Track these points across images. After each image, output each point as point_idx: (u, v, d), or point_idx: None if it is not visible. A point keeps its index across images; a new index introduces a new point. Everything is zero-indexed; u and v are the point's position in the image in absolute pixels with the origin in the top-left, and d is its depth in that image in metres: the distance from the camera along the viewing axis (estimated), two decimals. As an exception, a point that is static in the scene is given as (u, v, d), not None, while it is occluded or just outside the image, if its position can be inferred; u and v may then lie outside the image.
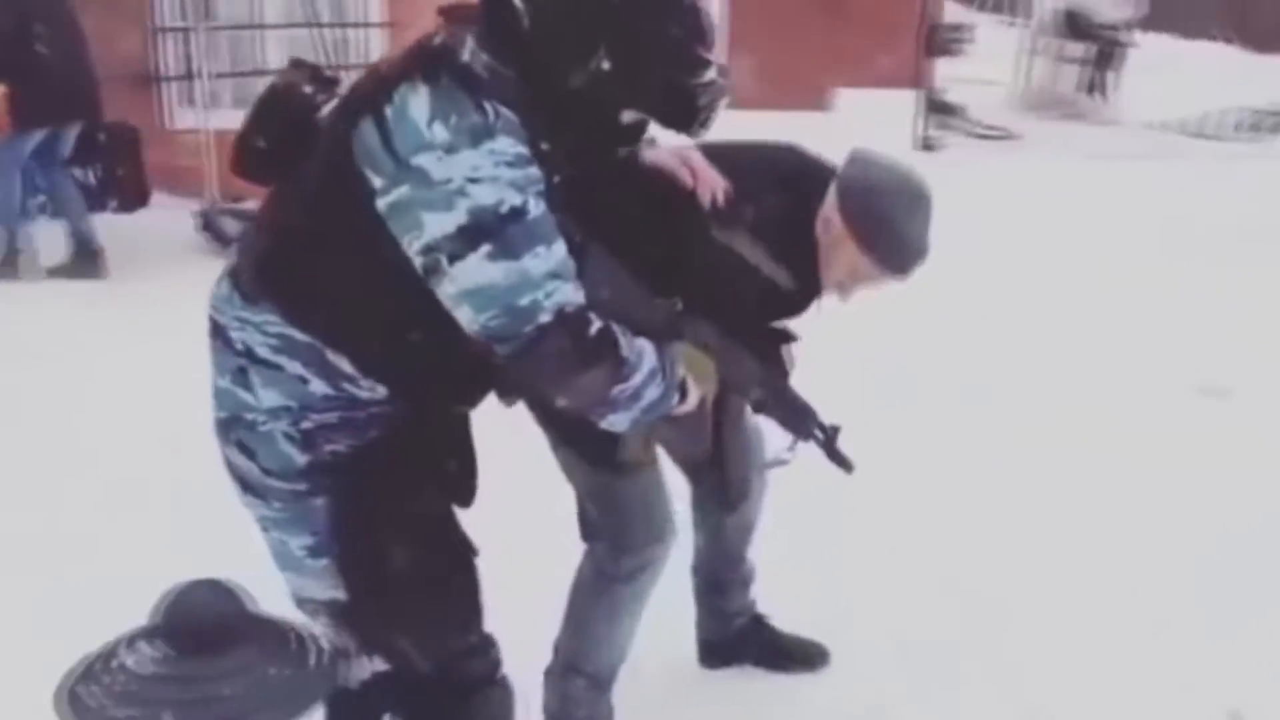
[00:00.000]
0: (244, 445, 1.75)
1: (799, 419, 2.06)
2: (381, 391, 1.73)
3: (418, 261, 1.58)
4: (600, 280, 1.71)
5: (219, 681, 1.34)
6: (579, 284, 1.63)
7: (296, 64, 1.95)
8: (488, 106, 1.56)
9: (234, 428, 1.75)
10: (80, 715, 1.31)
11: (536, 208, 1.58)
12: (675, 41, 1.64)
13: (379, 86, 1.62)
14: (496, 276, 1.56)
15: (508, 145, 1.56)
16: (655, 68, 1.65)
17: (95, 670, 1.36)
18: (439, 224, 1.55)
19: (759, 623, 2.71)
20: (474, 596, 1.87)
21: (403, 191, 1.56)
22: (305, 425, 1.72)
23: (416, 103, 1.56)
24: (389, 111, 1.57)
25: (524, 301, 1.57)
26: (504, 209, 1.55)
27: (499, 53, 1.61)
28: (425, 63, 1.61)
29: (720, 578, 2.64)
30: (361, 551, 1.77)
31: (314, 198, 1.70)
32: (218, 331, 1.77)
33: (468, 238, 1.54)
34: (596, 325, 1.63)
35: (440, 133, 1.54)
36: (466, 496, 1.87)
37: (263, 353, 1.71)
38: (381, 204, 1.58)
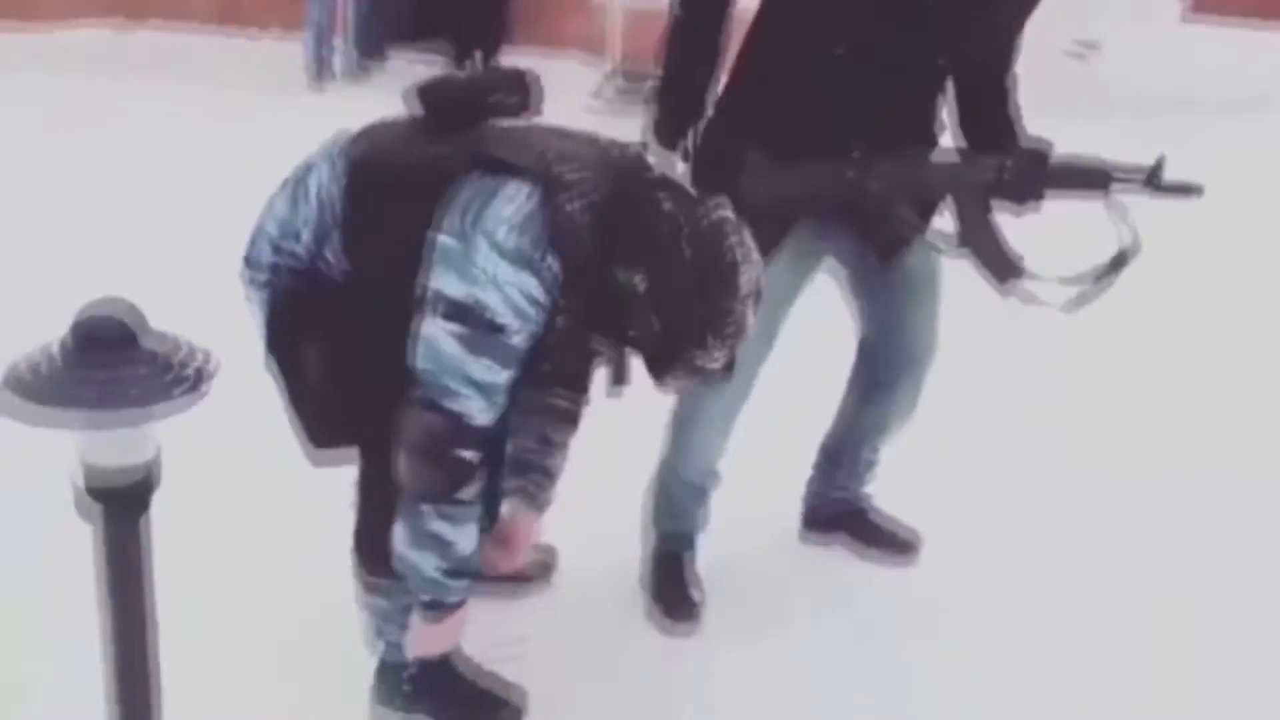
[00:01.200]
0: None
1: (1087, 174, 2.14)
2: None
3: (420, 287, 1.82)
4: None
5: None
6: (493, 413, 1.87)
7: None
8: (550, 255, 1.81)
9: None
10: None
11: (516, 339, 1.83)
12: (695, 317, 1.81)
13: (512, 160, 1.85)
14: (448, 350, 1.82)
15: (534, 287, 1.81)
16: (666, 321, 1.82)
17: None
18: (451, 284, 1.81)
19: (860, 505, 2.75)
20: None
21: (451, 244, 1.81)
22: None
23: (512, 205, 1.81)
24: (495, 186, 1.82)
25: (449, 383, 1.83)
26: (495, 319, 1.80)
27: (592, 218, 1.82)
28: (554, 181, 1.83)
29: (839, 453, 2.72)
30: None
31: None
32: None
33: (456, 311, 1.80)
34: (469, 457, 1.87)
35: (505, 237, 1.80)
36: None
37: None
38: (435, 236, 1.81)
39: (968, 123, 2.30)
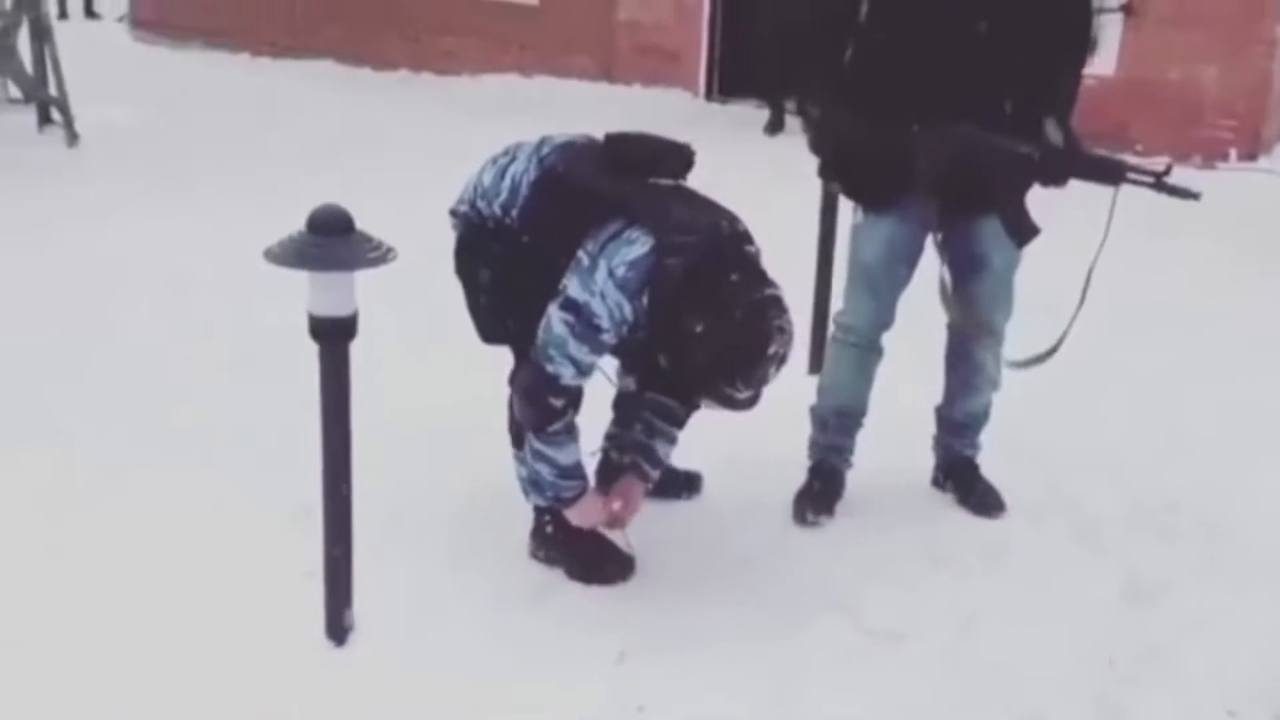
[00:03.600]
0: None
1: (1106, 166, 2.67)
2: None
3: (562, 283, 2.52)
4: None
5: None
6: (580, 380, 2.56)
7: None
8: (645, 291, 2.48)
9: None
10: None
11: (605, 336, 2.50)
12: (729, 362, 2.42)
13: (646, 215, 2.50)
14: (559, 331, 2.52)
15: (627, 310, 2.49)
16: (709, 358, 2.42)
17: None
18: (574, 287, 2.50)
19: (965, 462, 3.23)
20: None
21: (584, 260, 2.51)
22: None
23: (632, 249, 2.48)
24: (626, 230, 2.50)
25: (554, 353, 2.52)
26: (595, 320, 2.49)
27: (682, 274, 2.44)
28: (666, 240, 2.46)
29: (946, 415, 3.23)
30: None
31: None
32: None
33: (572, 306, 2.50)
34: (557, 405, 2.56)
35: (618, 269, 2.47)
36: None
37: None
38: (579, 250, 2.52)
39: (1030, 108, 2.76)
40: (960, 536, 3.05)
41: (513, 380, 2.70)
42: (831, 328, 3.15)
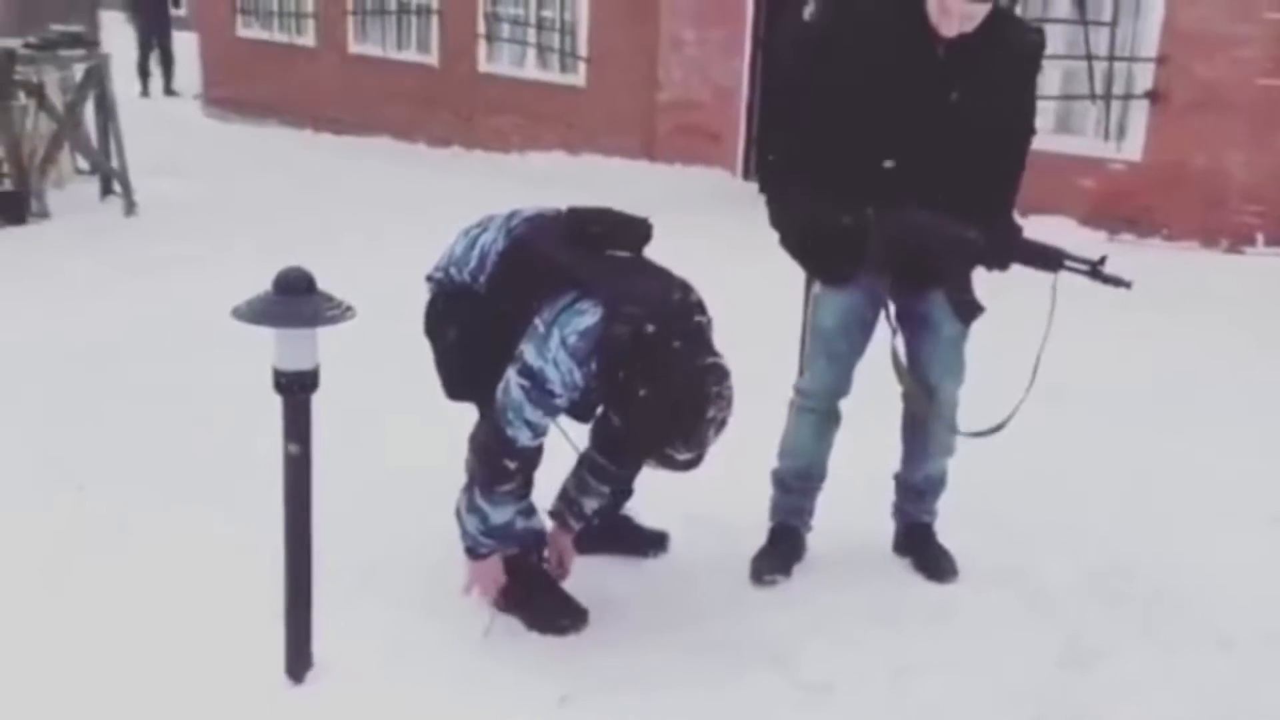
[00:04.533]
0: None
1: (1045, 254, 2.85)
2: None
3: (519, 349, 2.67)
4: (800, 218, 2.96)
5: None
6: (534, 442, 2.73)
7: None
8: (594, 357, 2.63)
9: None
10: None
11: (559, 401, 2.67)
12: (670, 424, 2.57)
13: (598, 286, 2.66)
14: (515, 395, 2.68)
15: (578, 375, 2.65)
16: (651, 421, 2.59)
17: None
18: (530, 354, 2.67)
19: (921, 529, 3.35)
20: None
21: (539, 328, 2.67)
22: None
23: (583, 318, 2.63)
24: (579, 300, 2.66)
25: (511, 415, 2.69)
26: (548, 386, 2.65)
27: (629, 340, 2.60)
28: (616, 311, 2.62)
29: (904, 481, 3.36)
30: None
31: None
32: None
33: (528, 371, 2.66)
34: (512, 464, 2.73)
35: (569, 337, 2.63)
36: None
37: None
38: (535, 317, 2.68)
39: (977, 194, 2.90)
40: (908, 598, 3.15)
41: (473, 437, 2.88)
42: (791, 394, 3.29)
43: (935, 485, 3.31)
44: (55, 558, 3.16)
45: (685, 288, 2.82)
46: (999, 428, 2.96)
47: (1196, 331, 5.76)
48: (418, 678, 2.71)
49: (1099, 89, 8.03)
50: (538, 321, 2.69)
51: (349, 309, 2.50)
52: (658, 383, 2.58)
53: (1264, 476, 3.97)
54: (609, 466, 3.01)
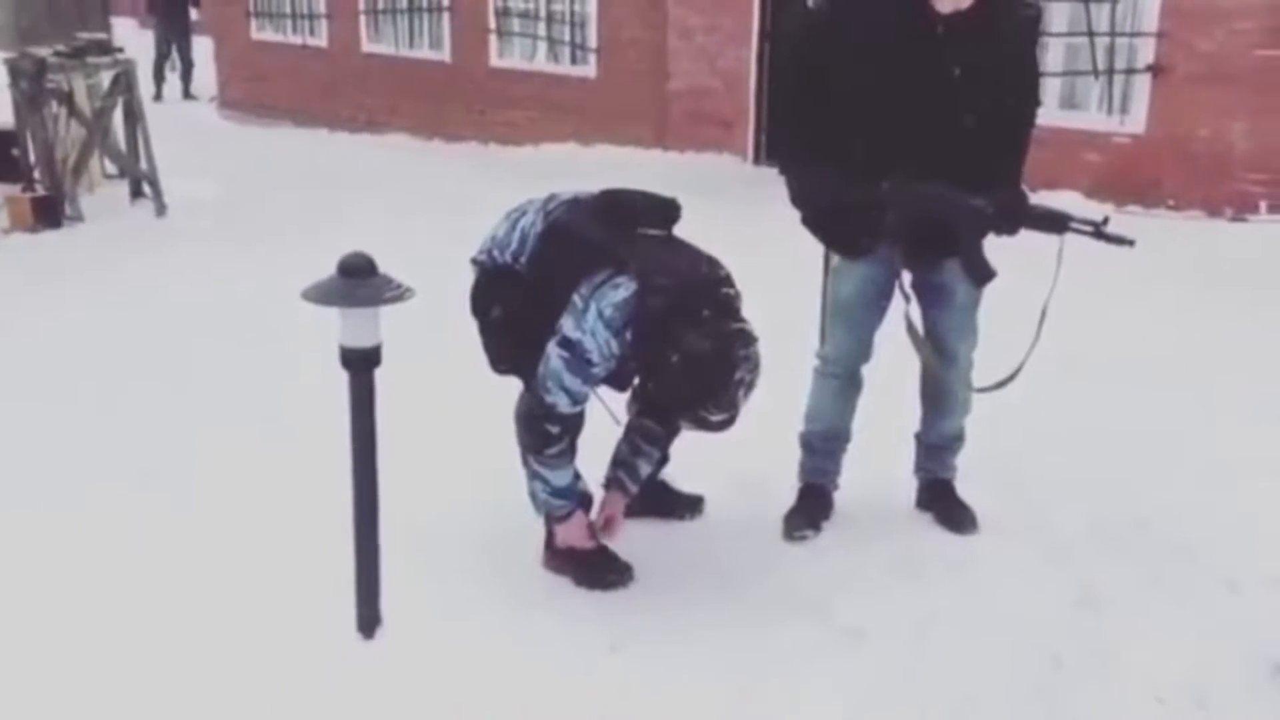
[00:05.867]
0: None
1: (1051, 217, 3.04)
2: None
3: (559, 323, 2.89)
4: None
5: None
6: (575, 409, 2.95)
7: None
8: (629, 328, 2.83)
9: None
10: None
11: (597, 370, 2.88)
12: (702, 387, 2.77)
13: (631, 263, 2.86)
14: (555, 365, 2.90)
15: (614, 345, 2.86)
16: (684, 384, 2.79)
17: None
18: (569, 326, 2.88)
19: (942, 485, 3.54)
20: None
21: (578, 302, 2.89)
22: None
23: (618, 292, 2.84)
24: (614, 276, 2.86)
25: (550, 384, 2.91)
26: (587, 356, 2.87)
27: (663, 312, 2.80)
28: (649, 284, 2.82)
29: (923, 439, 3.54)
30: None
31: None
32: None
33: (567, 343, 2.88)
34: (554, 429, 2.96)
35: (605, 310, 2.84)
36: None
37: None
38: (574, 294, 2.89)
39: (985, 166, 3.07)
40: (930, 550, 3.35)
41: (517, 409, 3.08)
42: (814, 360, 3.48)
43: (954, 442, 3.50)
44: (132, 536, 3.37)
45: (713, 263, 3.01)
46: (1010, 379, 3.14)
47: (1206, 298, 5.94)
48: (478, 632, 2.92)
49: (1101, 64, 8.18)
50: (576, 297, 2.89)
51: (408, 289, 2.70)
52: (688, 349, 2.77)
53: (1272, 435, 4.15)
54: (655, 428, 3.21)
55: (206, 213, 8.01)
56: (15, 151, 7.83)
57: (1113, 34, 8.13)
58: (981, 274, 3.15)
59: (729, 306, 2.94)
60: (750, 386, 2.82)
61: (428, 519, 3.39)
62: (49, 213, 7.58)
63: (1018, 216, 3.02)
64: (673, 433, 3.23)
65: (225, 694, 2.69)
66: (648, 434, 3.23)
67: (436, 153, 11.23)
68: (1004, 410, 3.64)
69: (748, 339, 2.83)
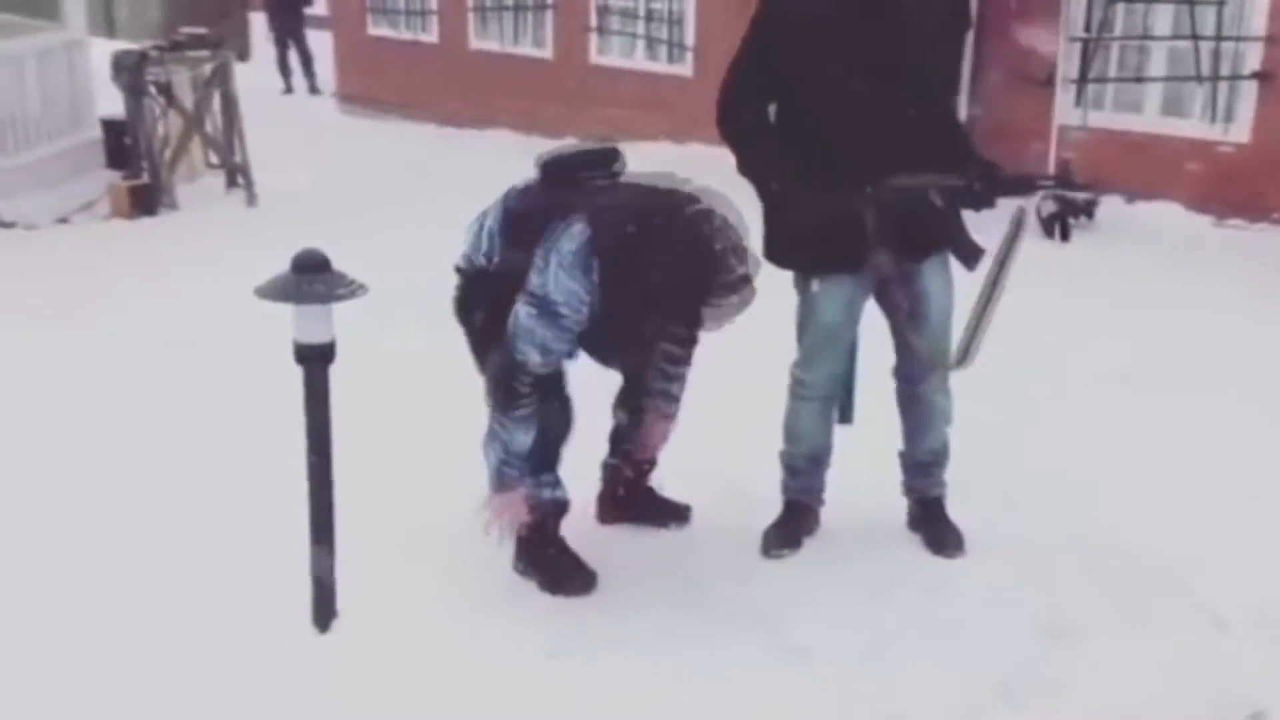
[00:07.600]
0: None
1: (1020, 182, 3.13)
2: None
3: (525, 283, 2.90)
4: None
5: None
6: (546, 365, 2.93)
7: None
8: (593, 268, 2.83)
9: None
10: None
11: (566, 321, 2.86)
12: (688, 279, 2.82)
13: (580, 209, 2.89)
14: (525, 321, 2.90)
15: (581, 290, 2.85)
16: (675, 291, 2.82)
17: None
18: (534, 282, 2.89)
19: (932, 503, 3.45)
20: None
21: (538, 258, 2.90)
22: None
23: (573, 236, 2.85)
24: (566, 226, 2.88)
25: (520, 342, 2.90)
26: (555, 308, 2.86)
27: (620, 243, 2.81)
28: (600, 224, 2.84)
29: (909, 457, 3.45)
30: None
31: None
32: None
33: (534, 299, 2.89)
34: (523, 387, 2.94)
35: (566, 258, 2.86)
36: None
37: None
38: (534, 253, 2.91)
39: (934, 147, 3.05)
40: (904, 571, 3.27)
41: (487, 369, 3.07)
42: (790, 382, 3.38)
43: (940, 455, 3.41)
44: (84, 528, 3.52)
45: (673, 193, 2.99)
46: (971, 341, 3.09)
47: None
48: (428, 630, 2.97)
49: (1205, 70, 7.82)
50: (536, 256, 2.91)
51: (361, 286, 2.75)
52: (660, 254, 2.80)
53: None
54: (674, 349, 3.27)
55: (293, 203, 8.23)
56: (127, 140, 8.23)
57: (1218, 38, 7.75)
58: (971, 253, 3.07)
59: (688, 204, 2.91)
60: (737, 251, 2.86)
61: (390, 514, 3.43)
62: (146, 200, 7.93)
63: (991, 187, 2.98)
64: (691, 344, 3.27)
65: (179, 683, 2.79)
66: (671, 357, 3.29)
67: (535, 148, 11.31)
68: (1002, 429, 3.55)
69: (706, 215, 2.86)
